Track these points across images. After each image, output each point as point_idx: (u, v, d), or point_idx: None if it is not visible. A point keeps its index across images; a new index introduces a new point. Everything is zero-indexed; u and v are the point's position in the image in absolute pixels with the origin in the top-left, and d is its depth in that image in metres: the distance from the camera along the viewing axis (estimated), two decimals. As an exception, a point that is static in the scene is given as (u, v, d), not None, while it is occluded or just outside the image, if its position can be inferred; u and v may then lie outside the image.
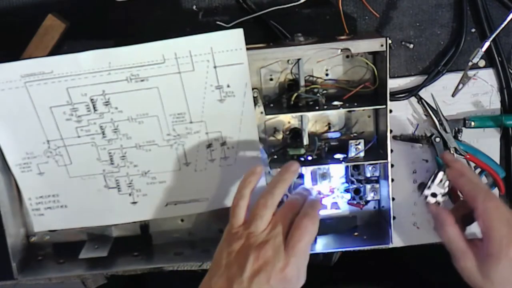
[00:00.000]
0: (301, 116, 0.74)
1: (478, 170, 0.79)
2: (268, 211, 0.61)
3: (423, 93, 0.77)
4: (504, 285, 0.60)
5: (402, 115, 0.78)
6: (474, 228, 0.65)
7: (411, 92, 0.77)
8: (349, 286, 0.83)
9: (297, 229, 0.60)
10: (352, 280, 0.82)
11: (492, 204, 0.61)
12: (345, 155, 0.74)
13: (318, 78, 0.75)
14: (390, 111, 0.72)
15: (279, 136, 0.77)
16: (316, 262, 0.83)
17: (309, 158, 0.74)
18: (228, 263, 0.60)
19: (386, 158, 0.72)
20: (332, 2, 0.75)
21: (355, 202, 0.78)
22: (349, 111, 0.76)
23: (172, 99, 0.69)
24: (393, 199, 0.75)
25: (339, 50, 0.70)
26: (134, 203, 0.75)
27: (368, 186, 0.77)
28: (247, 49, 0.67)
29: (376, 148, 0.75)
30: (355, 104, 0.72)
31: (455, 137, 0.77)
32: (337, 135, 0.76)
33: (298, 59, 0.72)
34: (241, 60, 0.67)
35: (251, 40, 0.67)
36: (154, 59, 0.67)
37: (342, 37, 0.71)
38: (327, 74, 0.75)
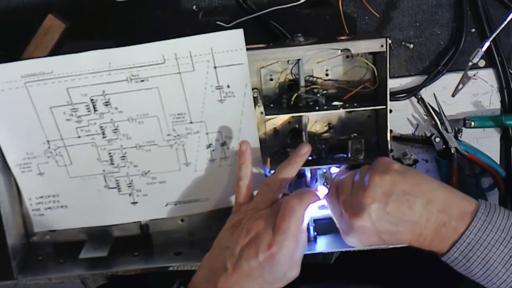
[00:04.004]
0: (301, 116, 0.74)
1: (479, 170, 0.79)
2: (270, 191, 0.64)
3: (423, 93, 0.77)
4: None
5: (402, 115, 0.78)
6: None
7: (411, 92, 0.77)
8: (348, 285, 0.83)
9: (283, 208, 0.60)
10: (352, 279, 0.82)
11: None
12: (345, 155, 0.74)
13: (318, 78, 0.75)
14: (390, 111, 0.72)
15: (279, 136, 0.77)
16: (316, 262, 0.83)
17: (309, 158, 0.74)
18: (226, 237, 0.62)
19: (386, 158, 0.72)
20: (332, 2, 0.75)
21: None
22: (349, 111, 0.76)
23: (172, 99, 0.69)
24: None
25: (339, 51, 0.70)
26: (134, 203, 0.75)
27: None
28: (247, 49, 0.67)
29: (376, 148, 0.75)
30: (355, 104, 0.71)
31: (455, 137, 0.77)
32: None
33: (298, 60, 0.72)
34: (241, 61, 0.67)
35: (251, 40, 0.67)
36: (154, 59, 0.67)
37: (342, 37, 0.70)
38: (327, 75, 0.75)
